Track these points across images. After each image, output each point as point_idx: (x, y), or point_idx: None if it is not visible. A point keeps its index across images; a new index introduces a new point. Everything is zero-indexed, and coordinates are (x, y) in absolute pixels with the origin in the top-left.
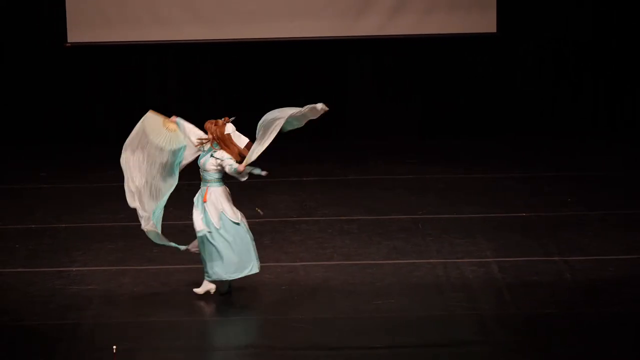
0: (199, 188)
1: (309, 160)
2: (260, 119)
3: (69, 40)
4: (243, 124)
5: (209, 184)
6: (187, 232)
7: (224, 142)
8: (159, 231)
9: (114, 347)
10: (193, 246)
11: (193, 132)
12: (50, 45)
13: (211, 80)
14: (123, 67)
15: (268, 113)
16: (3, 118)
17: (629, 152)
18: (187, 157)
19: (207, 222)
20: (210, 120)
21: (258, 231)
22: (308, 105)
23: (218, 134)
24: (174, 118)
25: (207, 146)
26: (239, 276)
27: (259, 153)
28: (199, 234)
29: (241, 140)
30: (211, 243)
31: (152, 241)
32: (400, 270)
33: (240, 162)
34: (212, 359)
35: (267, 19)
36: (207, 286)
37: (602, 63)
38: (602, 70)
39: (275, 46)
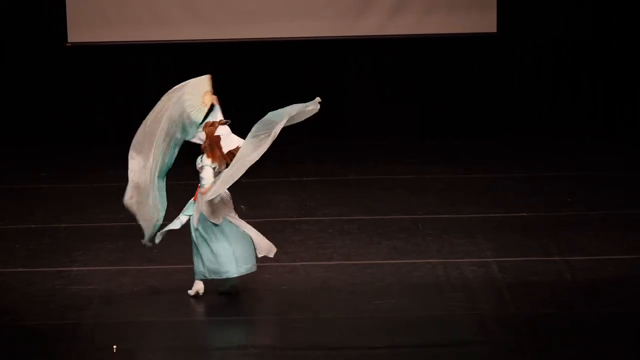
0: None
1: (309, 160)
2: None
3: (69, 40)
4: (243, 124)
5: (199, 184)
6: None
7: (210, 145)
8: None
9: (114, 347)
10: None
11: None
12: (51, 45)
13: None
14: (123, 67)
15: (263, 122)
16: (3, 118)
17: (629, 152)
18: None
19: (191, 220)
20: (208, 121)
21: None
22: (305, 104)
23: (209, 135)
24: (214, 97)
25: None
26: (217, 278)
27: (228, 184)
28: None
29: (232, 144)
30: (194, 242)
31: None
32: (400, 270)
33: (226, 166)
34: (212, 359)
35: (267, 19)
36: (196, 286)
37: (602, 63)
38: (602, 70)
39: (275, 46)
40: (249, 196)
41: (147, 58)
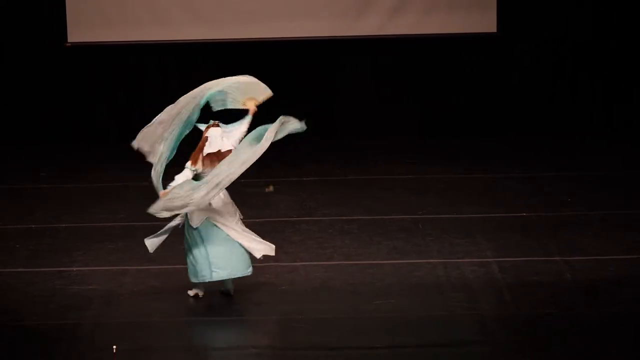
0: None
1: (309, 160)
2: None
3: (69, 40)
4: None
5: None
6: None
7: (198, 146)
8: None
9: (114, 347)
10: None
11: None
12: (51, 45)
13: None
14: (123, 67)
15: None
16: (3, 118)
17: (628, 152)
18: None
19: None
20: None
21: (258, 231)
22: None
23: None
24: (253, 108)
25: None
26: (196, 281)
27: (170, 202)
28: None
29: (217, 147)
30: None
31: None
32: (401, 270)
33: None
34: (212, 359)
35: (267, 19)
36: (195, 287)
37: (602, 63)
38: (602, 70)
39: (275, 46)
40: (249, 196)
41: (147, 58)
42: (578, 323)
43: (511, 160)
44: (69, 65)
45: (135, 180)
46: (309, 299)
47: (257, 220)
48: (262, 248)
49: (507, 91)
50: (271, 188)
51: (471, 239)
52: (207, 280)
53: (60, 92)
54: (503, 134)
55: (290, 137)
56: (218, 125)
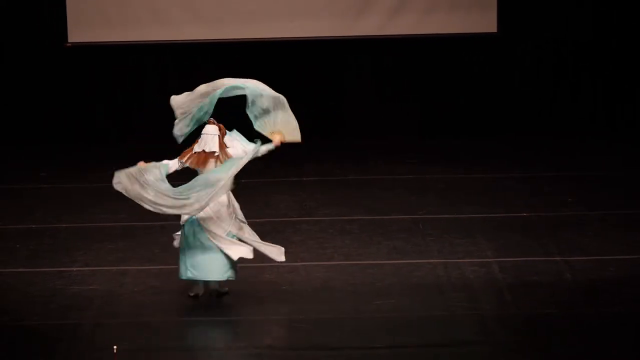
0: None
1: (309, 160)
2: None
3: (69, 40)
4: (243, 124)
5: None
6: None
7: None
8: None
9: (115, 347)
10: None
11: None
12: (51, 45)
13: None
14: (123, 67)
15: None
16: (3, 118)
17: (629, 152)
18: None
19: None
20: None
21: (258, 231)
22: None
23: None
24: (277, 143)
25: None
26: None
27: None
28: None
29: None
30: None
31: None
32: (401, 271)
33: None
34: (212, 359)
35: (267, 19)
36: (194, 288)
37: (603, 63)
38: (602, 70)
39: (275, 46)
40: (249, 196)
41: (147, 58)
42: (578, 323)
43: (511, 160)
44: (69, 66)
45: None
46: (309, 299)
47: (257, 220)
48: (241, 251)
49: (506, 91)
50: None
51: (471, 239)
52: (181, 278)
53: (61, 92)
54: (503, 134)
55: None
56: (214, 123)
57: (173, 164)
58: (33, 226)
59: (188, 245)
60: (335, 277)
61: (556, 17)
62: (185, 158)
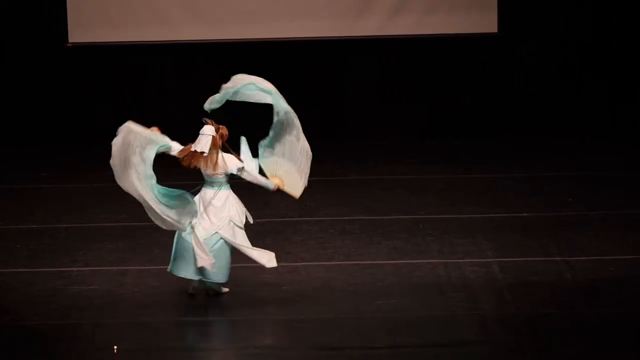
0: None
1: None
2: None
3: (69, 41)
4: (244, 124)
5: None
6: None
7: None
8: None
9: (115, 347)
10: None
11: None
12: (51, 46)
13: (212, 80)
14: (124, 67)
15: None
16: (3, 118)
17: (629, 152)
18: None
19: None
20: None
21: (259, 231)
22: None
23: None
24: (274, 187)
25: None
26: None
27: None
28: None
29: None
30: None
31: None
32: (401, 271)
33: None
34: (212, 358)
35: (267, 19)
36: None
37: (603, 63)
38: (602, 71)
39: (275, 46)
40: (249, 196)
41: (147, 58)
42: (578, 323)
43: (511, 160)
44: (70, 66)
45: None
46: (309, 299)
47: (258, 220)
48: (205, 259)
49: (507, 91)
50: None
51: (471, 239)
52: (169, 271)
53: (61, 92)
54: (503, 134)
55: None
56: (211, 124)
57: (174, 149)
58: (33, 226)
59: (177, 240)
60: (335, 277)
61: (556, 17)
62: (182, 153)
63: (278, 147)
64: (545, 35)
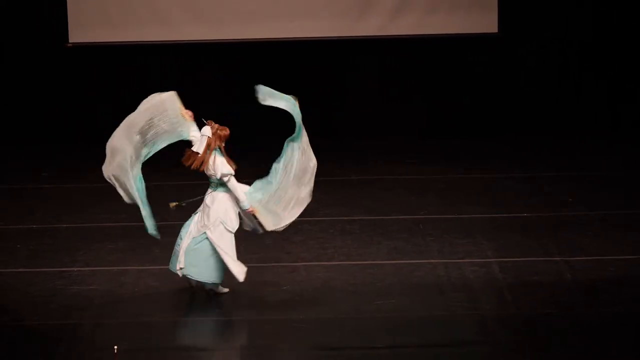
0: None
1: None
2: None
3: (70, 41)
4: (244, 124)
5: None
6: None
7: None
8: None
9: (115, 347)
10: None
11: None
12: (52, 46)
13: (212, 80)
14: (124, 67)
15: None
16: (3, 118)
17: (629, 152)
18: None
19: None
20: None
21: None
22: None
23: None
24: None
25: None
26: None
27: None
28: None
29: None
30: None
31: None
32: (401, 271)
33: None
34: (212, 359)
35: (267, 19)
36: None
37: (603, 63)
38: (603, 71)
39: (276, 46)
40: None
41: (148, 58)
42: (578, 323)
43: (511, 160)
44: (70, 66)
45: None
46: (309, 299)
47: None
48: (175, 263)
49: (507, 91)
50: (174, 205)
51: (471, 239)
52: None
53: (61, 92)
54: (503, 134)
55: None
56: (210, 125)
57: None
58: (33, 226)
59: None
60: (335, 277)
61: (557, 17)
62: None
63: (275, 184)
64: (546, 35)
